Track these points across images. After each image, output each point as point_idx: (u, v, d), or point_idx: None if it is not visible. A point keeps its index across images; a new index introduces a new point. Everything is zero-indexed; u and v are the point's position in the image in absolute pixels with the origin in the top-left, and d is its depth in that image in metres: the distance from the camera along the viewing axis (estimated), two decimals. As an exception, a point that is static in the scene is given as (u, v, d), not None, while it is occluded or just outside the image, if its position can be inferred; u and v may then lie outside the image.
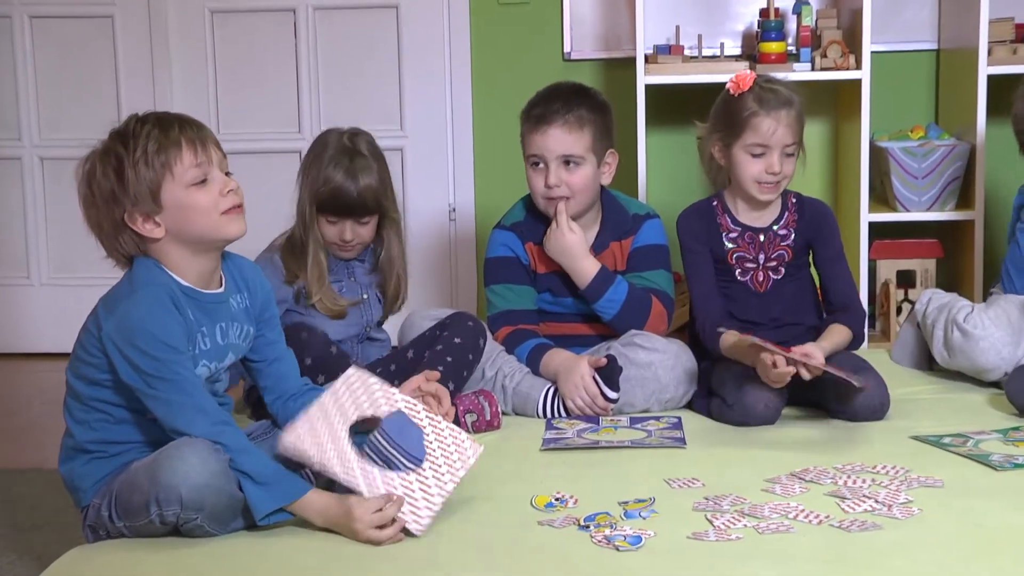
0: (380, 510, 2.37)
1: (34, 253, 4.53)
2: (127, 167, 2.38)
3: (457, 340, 3.13)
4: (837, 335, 3.11)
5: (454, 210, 4.44)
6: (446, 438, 2.53)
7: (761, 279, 3.20)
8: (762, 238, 3.19)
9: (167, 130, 2.40)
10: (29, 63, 4.47)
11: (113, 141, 2.41)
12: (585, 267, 3.21)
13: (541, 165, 3.21)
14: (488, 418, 3.04)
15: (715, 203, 3.23)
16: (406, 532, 2.39)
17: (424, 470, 2.46)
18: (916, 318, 3.47)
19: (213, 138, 2.46)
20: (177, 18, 4.42)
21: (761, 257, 3.19)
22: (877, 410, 3.00)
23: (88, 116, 4.41)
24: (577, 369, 3.10)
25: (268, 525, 2.40)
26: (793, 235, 3.20)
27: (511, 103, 3.31)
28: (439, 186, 4.45)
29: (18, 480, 3.24)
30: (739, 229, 3.20)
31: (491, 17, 4.36)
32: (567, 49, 4.32)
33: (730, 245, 3.20)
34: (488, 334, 3.22)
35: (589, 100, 3.23)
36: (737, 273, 3.20)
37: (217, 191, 2.42)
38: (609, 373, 3.07)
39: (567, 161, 3.20)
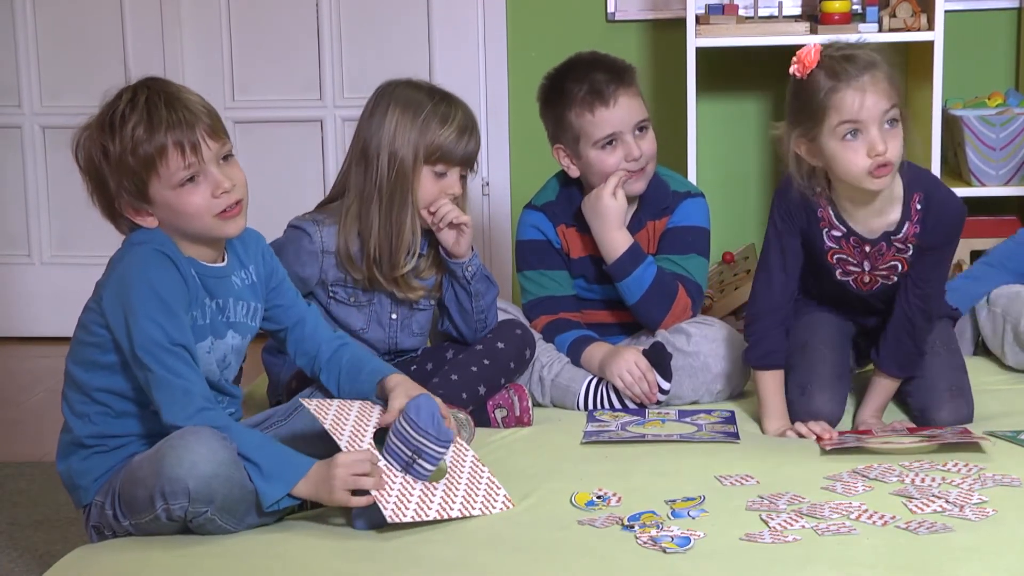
0: (363, 475, 2.37)
1: (35, 229, 4.56)
2: (112, 157, 2.40)
3: (500, 345, 3.08)
4: (883, 395, 2.96)
5: (487, 184, 4.44)
6: (481, 480, 2.54)
7: (867, 281, 2.95)
8: (868, 248, 2.90)
9: (153, 117, 2.38)
10: (30, 22, 4.49)
11: (101, 127, 2.41)
12: (617, 239, 3.19)
13: (614, 143, 3.20)
14: (518, 414, 3.05)
15: (817, 189, 2.89)
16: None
17: (436, 486, 2.48)
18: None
19: (209, 122, 2.42)
20: (189, -25, 4.44)
21: (866, 264, 2.92)
22: (963, 422, 2.92)
23: (93, 81, 4.38)
24: (626, 350, 3.11)
25: (277, 512, 2.43)
26: (911, 250, 2.90)
27: (550, 68, 3.30)
28: (471, 158, 4.44)
29: (17, 474, 3.27)
30: (844, 230, 2.90)
31: (528, -27, 4.37)
32: (611, 9, 4.30)
33: (831, 244, 2.91)
34: (536, 346, 3.17)
35: (617, 60, 3.24)
36: (837, 273, 2.95)
37: (209, 193, 2.41)
38: (659, 359, 3.08)
39: (640, 128, 3.20)
